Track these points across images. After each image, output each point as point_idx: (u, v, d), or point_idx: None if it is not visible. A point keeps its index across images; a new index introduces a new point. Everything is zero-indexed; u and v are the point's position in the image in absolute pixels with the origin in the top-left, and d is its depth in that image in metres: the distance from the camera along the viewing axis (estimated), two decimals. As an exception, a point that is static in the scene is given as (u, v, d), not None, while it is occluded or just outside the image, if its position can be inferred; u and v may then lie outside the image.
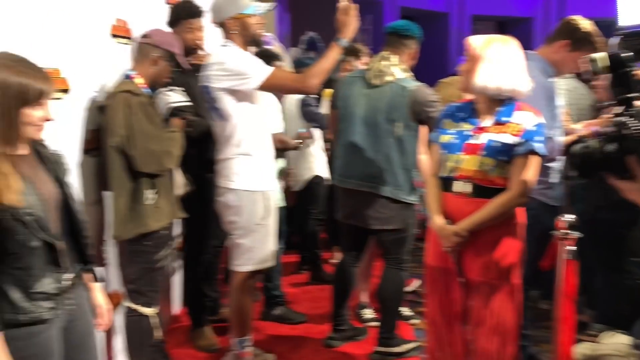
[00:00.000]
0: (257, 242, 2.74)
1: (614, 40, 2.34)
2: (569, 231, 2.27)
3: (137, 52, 2.63)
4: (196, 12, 3.07)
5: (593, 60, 1.67)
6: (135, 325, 2.59)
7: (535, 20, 9.76)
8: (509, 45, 2.24)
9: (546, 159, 2.32)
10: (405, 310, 3.72)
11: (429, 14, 9.42)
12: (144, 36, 2.64)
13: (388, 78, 2.98)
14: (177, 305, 3.90)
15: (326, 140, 4.28)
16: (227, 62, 2.58)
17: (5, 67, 1.54)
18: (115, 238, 2.53)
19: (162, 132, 2.48)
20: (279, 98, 3.81)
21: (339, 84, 3.27)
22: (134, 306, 2.57)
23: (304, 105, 4.10)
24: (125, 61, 2.84)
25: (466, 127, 2.31)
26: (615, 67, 1.65)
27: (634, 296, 2.94)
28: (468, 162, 2.24)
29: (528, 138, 2.19)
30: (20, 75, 1.55)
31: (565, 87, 3.21)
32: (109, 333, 2.80)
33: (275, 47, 6.21)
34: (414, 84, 2.98)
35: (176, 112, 2.89)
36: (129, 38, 3.03)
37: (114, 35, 2.90)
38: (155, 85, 2.64)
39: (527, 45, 2.48)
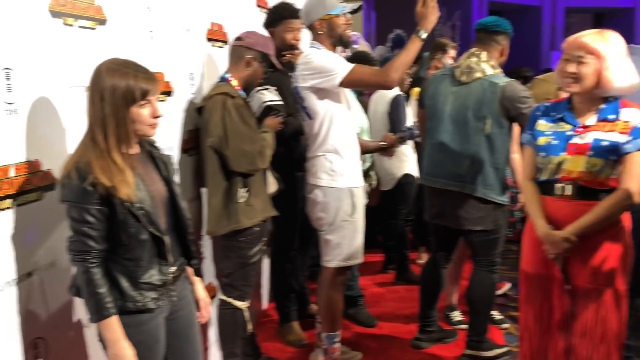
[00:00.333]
0: (344, 239, 2.77)
1: None
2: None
3: (231, 55, 2.73)
4: (295, 13, 3.15)
5: None
6: (229, 318, 2.68)
7: (637, 11, 9.17)
8: (620, 39, 2.13)
9: None
10: (496, 314, 3.63)
11: (520, 8, 9.10)
12: (238, 39, 2.73)
13: (477, 75, 2.92)
14: (265, 300, 4.00)
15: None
16: (311, 61, 2.65)
17: (112, 71, 1.65)
18: (209, 234, 2.63)
19: (255, 133, 2.55)
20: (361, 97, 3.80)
21: (426, 82, 3.22)
22: (227, 299, 2.67)
23: (392, 107, 4.06)
24: (221, 64, 2.95)
25: (565, 127, 2.21)
26: None
27: None
28: (573, 163, 2.14)
29: (637, 135, 2.08)
30: (125, 77, 1.65)
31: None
32: (204, 324, 2.93)
33: (361, 45, 6.23)
34: (504, 80, 2.89)
35: (269, 110, 2.98)
36: (224, 42, 3.15)
37: (210, 39, 3.02)
38: (249, 86, 2.72)
39: (628, 38, 2.35)
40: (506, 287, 4.17)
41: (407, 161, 4.16)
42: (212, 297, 2.88)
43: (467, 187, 2.93)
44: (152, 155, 1.86)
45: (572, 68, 2.13)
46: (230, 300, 2.66)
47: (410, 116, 4.11)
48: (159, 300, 1.76)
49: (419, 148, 4.15)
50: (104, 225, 1.65)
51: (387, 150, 3.54)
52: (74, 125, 1.91)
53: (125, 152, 1.68)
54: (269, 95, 3.14)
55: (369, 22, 7.93)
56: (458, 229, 3.05)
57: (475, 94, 2.90)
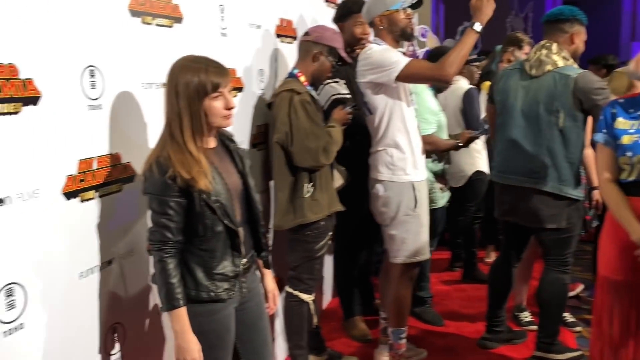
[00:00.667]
0: (408, 233, 2.76)
1: None
2: None
3: (299, 50, 2.76)
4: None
5: None
6: (295, 311, 2.72)
7: None
8: None
9: None
10: (568, 316, 3.50)
11: (598, -3, 8.70)
12: (305, 34, 2.75)
13: (547, 67, 2.82)
14: (330, 295, 4.03)
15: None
16: (370, 57, 2.65)
17: (186, 67, 1.71)
18: (276, 227, 2.68)
19: (320, 130, 2.57)
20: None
21: (496, 77, 3.13)
22: (294, 292, 2.71)
23: (465, 102, 3.97)
24: (291, 60, 2.99)
25: None
26: None
27: None
28: None
29: None
30: (197, 72, 1.70)
31: None
32: (271, 316, 2.98)
33: (430, 39, 6.15)
34: (577, 71, 2.77)
35: (337, 103, 3.00)
36: (294, 37, 3.19)
37: (279, 35, 3.06)
38: (317, 80, 2.74)
39: None
40: (579, 288, 4.02)
41: (478, 157, 4.07)
42: (279, 289, 2.93)
43: (540, 182, 2.84)
44: (228, 149, 1.90)
45: None
46: (297, 293, 2.70)
47: (482, 111, 4.01)
48: (230, 291, 1.81)
49: (488, 144, 4.06)
50: (182, 218, 1.71)
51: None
52: (153, 120, 2.00)
53: (201, 146, 1.73)
54: (338, 88, 3.16)
55: (437, 15, 7.80)
56: (529, 227, 2.96)
57: (546, 88, 2.80)
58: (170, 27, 2.14)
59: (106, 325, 1.84)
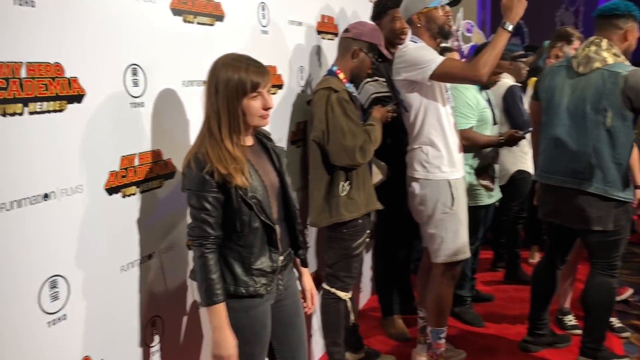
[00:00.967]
0: (447, 232, 2.72)
1: None
2: None
3: (339, 47, 2.74)
4: (400, 2, 3.10)
5: None
6: (332, 308, 2.72)
7: None
8: None
9: None
10: (615, 321, 3.39)
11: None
12: (345, 30, 2.73)
13: (596, 64, 2.72)
14: (368, 293, 4.02)
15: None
16: (405, 54, 2.63)
17: (226, 65, 1.72)
18: (312, 225, 2.69)
19: (358, 128, 2.55)
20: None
21: (542, 74, 3.05)
22: (331, 289, 2.71)
23: (507, 99, 3.88)
24: (332, 57, 2.98)
25: None
26: None
27: None
28: None
29: None
30: (237, 70, 1.71)
31: None
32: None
33: (475, 34, 6.03)
34: (627, 69, 2.66)
35: (378, 102, 2.98)
36: (335, 34, 3.18)
37: (320, 32, 3.06)
38: (357, 77, 2.72)
39: None
40: (628, 293, 3.88)
41: (522, 157, 3.97)
42: (316, 285, 2.93)
43: (585, 183, 2.75)
44: (266, 147, 1.92)
45: None
46: (334, 290, 2.70)
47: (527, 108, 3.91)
48: (268, 286, 1.82)
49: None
50: (220, 213, 1.73)
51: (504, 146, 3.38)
52: (193, 117, 2.03)
53: (238, 143, 1.75)
54: (378, 87, 3.14)
55: (483, 10, 7.63)
56: (574, 229, 2.88)
57: (593, 86, 2.71)
58: (211, 25, 2.17)
59: (146, 318, 1.88)
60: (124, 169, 1.76)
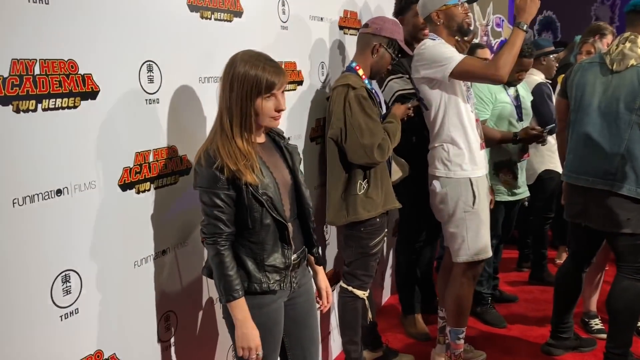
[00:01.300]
0: (468, 231, 2.69)
1: None
2: None
3: (358, 43, 2.71)
4: None
5: None
6: (350, 306, 2.71)
7: None
8: None
9: None
10: (642, 327, 3.30)
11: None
12: (364, 26, 2.70)
13: (631, 62, 2.64)
14: (389, 291, 3.99)
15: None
16: (424, 52, 2.60)
17: (244, 62, 1.71)
18: (329, 224, 2.67)
19: (376, 126, 2.52)
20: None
21: (571, 70, 2.96)
22: (348, 288, 2.69)
23: (535, 97, 3.80)
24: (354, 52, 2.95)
25: None
26: None
27: None
28: None
29: None
30: (254, 69, 1.70)
31: None
32: (327, 310, 2.98)
33: (506, 29, 5.92)
34: None
35: (402, 100, 2.94)
36: (358, 29, 3.14)
37: (342, 27, 3.03)
38: (377, 73, 2.69)
39: None
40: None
41: (550, 155, 3.89)
42: (334, 283, 2.92)
43: (616, 185, 2.67)
44: (278, 145, 1.91)
45: None
46: (351, 289, 2.68)
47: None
48: (282, 283, 1.82)
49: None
50: (232, 209, 1.73)
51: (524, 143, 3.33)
52: (209, 113, 2.03)
53: (249, 140, 1.74)
54: (402, 84, 3.10)
55: (514, 4, 7.49)
56: (602, 231, 2.79)
57: (628, 84, 2.62)
58: (229, 21, 2.16)
59: (159, 313, 1.89)
60: (138, 165, 1.77)
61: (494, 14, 5.81)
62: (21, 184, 1.41)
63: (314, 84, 2.77)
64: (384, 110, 2.75)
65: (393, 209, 2.70)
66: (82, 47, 1.55)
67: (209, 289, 2.12)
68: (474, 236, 2.70)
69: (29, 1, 1.41)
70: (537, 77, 3.93)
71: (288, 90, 2.56)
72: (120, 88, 1.69)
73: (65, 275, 1.54)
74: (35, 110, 1.43)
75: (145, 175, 1.80)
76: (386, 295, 3.96)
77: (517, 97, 3.45)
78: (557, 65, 4.18)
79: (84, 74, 1.56)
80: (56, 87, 1.48)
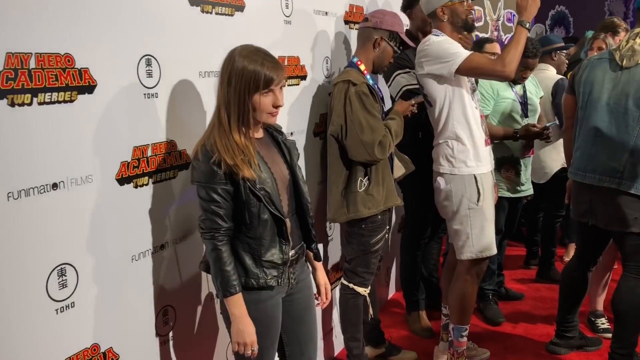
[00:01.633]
0: (473, 228, 2.66)
1: None
2: None
3: (359, 37, 2.69)
4: None
5: None
6: (351, 303, 2.69)
7: None
8: None
9: None
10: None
11: None
12: (364, 20, 2.68)
13: None
14: (393, 287, 3.97)
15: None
16: (428, 48, 2.58)
17: (242, 57, 1.70)
18: (330, 221, 2.66)
19: (377, 122, 2.49)
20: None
21: (579, 66, 2.92)
22: (349, 285, 2.68)
23: (556, 93, 3.76)
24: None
25: None
26: None
27: None
28: None
29: None
30: (253, 64, 1.69)
31: None
32: (329, 306, 2.97)
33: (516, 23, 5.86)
34: None
35: (409, 95, 2.92)
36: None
37: (347, 22, 3.00)
38: (379, 68, 2.66)
39: None
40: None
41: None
42: (337, 279, 2.91)
43: (623, 183, 2.62)
44: (276, 140, 1.90)
45: None
46: (352, 285, 2.67)
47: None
48: (279, 279, 1.81)
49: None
50: (230, 204, 1.72)
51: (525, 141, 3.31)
52: (209, 108, 2.02)
53: (247, 135, 1.73)
54: (409, 79, 3.07)
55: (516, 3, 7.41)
56: (608, 230, 2.76)
57: (637, 80, 2.58)
58: (231, 15, 2.15)
59: (157, 308, 1.90)
60: (136, 159, 1.77)
61: (504, 9, 5.75)
62: (16, 178, 1.41)
63: (317, 79, 2.76)
64: (387, 106, 2.73)
65: (395, 206, 2.68)
66: (79, 41, 1.55)
67: (209, 284, 2.12)
68: (478, 233, 2.68)
69: (24, -6, 1.41)
70: (552, 72, 3.89)
71: (291, 85, 2.54)
72: (118, 82, 1.69)
73: (61, 269, 1.55)
74: (30, 104, 1.43)
75: (143, 170, 1.80)
76: (391, 291, 3.95)
77: (523, 94, 3.42)
78: (567, 61, 4.13)
79: (80, 68, 1.56)
80: (52, 81, 1.48)
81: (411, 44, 2.68)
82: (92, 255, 1.64)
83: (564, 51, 4.03)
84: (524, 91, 3.43)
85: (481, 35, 5.17)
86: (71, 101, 1.54)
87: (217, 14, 2.07)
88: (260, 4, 2.30)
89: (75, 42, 1.54)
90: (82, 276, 1.61)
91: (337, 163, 2.56)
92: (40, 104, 1.46)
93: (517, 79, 3.32)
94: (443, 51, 2.52)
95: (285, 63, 2.49)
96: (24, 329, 1.46)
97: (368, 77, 2.58)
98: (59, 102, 1.51)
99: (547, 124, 3.30)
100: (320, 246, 2.88)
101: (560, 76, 3.87)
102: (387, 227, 2.68)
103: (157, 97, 1.84)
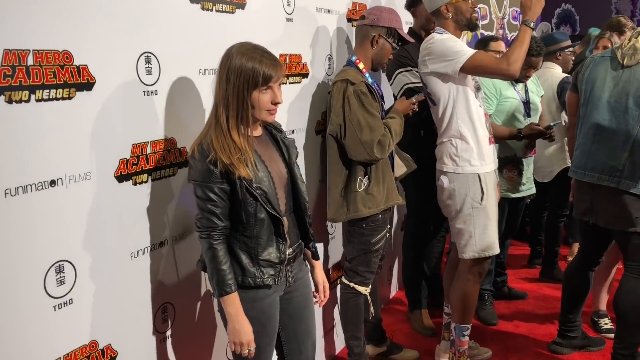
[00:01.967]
0: (475, 227, 2.65)
1: None
2: None
3: (356, 36, 2.68)
4: None
5: None
6: (352, 302, 2.69)
7: None
8: None
9: None
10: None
11: None
12: (361, 18, 2.66)
13: None
14: (395, 286, 3.96)
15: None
16: (432, 46, 2.56)
17: (240, 55, 1.69)
18: (330, 220, 2.65)
19: (376, 121, 2.48)
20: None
21: (582, 65, 2.91)
22: (349, 284, 2.67)
23: (562, 90, 3.74)
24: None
25: None
26: None
27: None
28: None
29: None
30: (252, 61, 1.68)
31: None
32: (330, 304, 2.97)
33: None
34: None
35: (410, 93, 2.90)
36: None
37: (350, 19, 2.99)
38: (378, 65, 2.65)
39: None
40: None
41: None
42: (337, 278, 2.91)
43: (623, 182, 2.61)
44: (275, 138, 1.89)
45: None
46: (352, 285, 2.66)
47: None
48: (276, 277, 1.81)
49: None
50: (226, 203, 1.72)
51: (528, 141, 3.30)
52: (210, 106, 2.01)
53: (245, 133, 1.73)
54: (411, 77, 3.06)
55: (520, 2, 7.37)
56: (609, 229, 2.74)
57: (637, 79, 2.57)
58: (232, 12, 2.14)
59: (156, 305, 1.90)
60: (135, 156, 1.77)
61: (510, 7, 5.72)
62: (13, 175, 1.41)
63: (319, 77, 2.75)
64: (388, 105, 2.71)
65: (396, 205, 2.67)
66: (78, 38, 1.55)
67: (207, 281, 2.12)
68: (481, 232, 2.67)
69: (22, -9, 1.41)
70: (556, 71, 3.88)
71: (293, 83, 2.54)
72: (117, 79, 1.69)
73: (59, 265, 1.55)
74: (28, 101, 1.43)
75: (142, 167, 1.80)
76: (394, 290, 3.94)
77: (525, 93, 3.40)
78: (573, 59, 4.11)
79: (79, 65, 1.56)
80: (50, 78, 1.48)
81: (410, 39, 2.66)
82: (91, 252, 1.64)
83: (570, 49, 4.01)
84: (526, 90, 3.41)
85: (486, 33, 5.15)
86: (69, 98, 1.54)
87: (217, 11, 2.07)
88: (262, 1, 2.30)
89: (73, 39, 1.54)
90: (80, 273, 1.61)
91: (336, 163, 2.55)
92: (38, 100, 1.46)
93: (520, 78, 3.32)
94: (447, 49, 2.51)
95: (287, 61, 2.48)
96: (22, 326, 1.46)
97: (367, 75, 2.57)
98: (57, 99, 1.51)
99: (551, 124, 3.28)
100: (322, 244, 2.88)
101: (565, 74, 3.85)
102: (388, 226, 2.68)
103: (156, 94, 1.83)
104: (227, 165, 1.66)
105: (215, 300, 2.12)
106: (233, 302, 1.73)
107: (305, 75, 2.64)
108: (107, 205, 1.68)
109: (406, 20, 3.45)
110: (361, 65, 2.58)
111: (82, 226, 1.61)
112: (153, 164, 1.84)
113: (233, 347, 1.75)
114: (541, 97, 3.56)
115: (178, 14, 1.90)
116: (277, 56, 1.85)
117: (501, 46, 3.60)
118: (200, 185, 1.69)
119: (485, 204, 2.64)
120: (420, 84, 3.00)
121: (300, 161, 2.56)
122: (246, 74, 1.68)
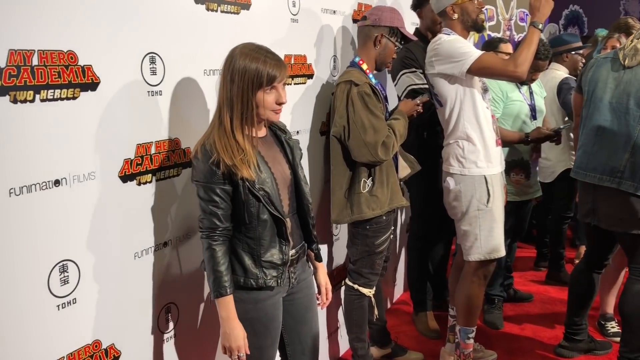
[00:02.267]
0: (481, 229, 2.64)
1: None
2: None
3: (359, 37, 2.68)
4: None
5: None
6: (356, 304, 2.68)
7: None
8: None
9: None
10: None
11: None
12: (363, 18, 2.65)
13: None
14: (401, 287, 3.95)
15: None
16: (439, 47, 2.55)
17: (244, 55, 1.70)
18: (334, 222, 2.64)
19: (380, 123, 2.47)
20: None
21: (586, 65, 2.89)
22: (354, 286, 2.67)
23: (561, 90, 3.73)
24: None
25: None
26: None
27: None
28: None
29: None
30: (256, 62, 1.68)
31: None
32: (335, 306, 2.97)
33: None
34: None
35: (414, 94, 2.90)
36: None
37: (355, 21, 2.99)
38: (382, 65, 2.64)
39: None
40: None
41: (573, 155, 3.81)
42: (342, 280, 2.90)
43: (624, 183, 2.59)
44: (279, 139, 1.89)
45: None
46: (357, 287, 2.66)
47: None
48: (279, 279, 1.80)
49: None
50: (229, 205, 1.72)
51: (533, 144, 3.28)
52: (213, 107, 2.01)
53: (249, 134, 1.73)
54: (415, 79, 3.05)
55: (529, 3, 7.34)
56: (611, 231, 2.72)
57: (639, 80, 2.55)
58: (237, 13, 2.15)
59: (160, 305, 1.90)
60: (139, 156, 1.77)
61: (517, 8, 5.69)
62: (18, 174, 1.42)
63: (324, 78, 2.75)
64: (392, 106, 2.71)
65: (399, 206, 2.66)
66: (83, 39, 1.56)
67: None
68: (487, 235, 2.65)
69: (27, -9, 1.42)
70: (560, 72, 3.86)
71: (298, 84, 2.54)
72: (121, 79, 1.69)
73: (63, 265, 1.55)
74: (33, 101, 1.44)
75: (146, 167, 1.80)
76: (399, 292, 3.93)
77: (530, 95, 3.39)
78: (582, 60, 4.08)
79: (83, 65, 1.56)
80: (55, 78, 1.49)
81: (412, 37, 2.65)
82: (94, 252, 1.64)
83: (579, 51, 3.98)
84: (530, 92, 3.40)
85: (493, 34, 5.13)
86: (74, 98, 1.55)
87: (222, 12, 2.07)
88: (267, 2, 2.30)
89: (78, 39, 1.54)
90: (84, 273, 1.62)
91: (340, 164, 2.55)
92: (42, 100, 1.46)
93: (526, 80, 3.30)
94: (454, 50, 2.50)
95: (292, 62, 2.48)
96: (26, 325, 1.47)
97: (371, 76, 2.57)
98: (61, 99, 1.51)
99: (560, 127, 3.26)
100: (326, 246, 2.88)
101: (566, 75, 3.82)
102: (392, 227, 2.67)
103: (161, 94, 1.84)
104: (229, 166, 1.66)
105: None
106: (227, 305, 1.72)
107: (310, 76, 2.63)
108: (111, 205, 1.69)
109: (412, 21, 3.45)
110: (365, 66, 2.58)
111: (86, 226, 1.61)
112: (157, 164, 1.84)
113: (223, 351, 1.74)
114: (544, 98, 3.54)
115: (183, 14, 1.90)
116: (282, 57, 1.85)
117: (509, 48, 3.59)
118: (202, 186, 1.69)
119: (492, 206, 2.63)
120: (424, 85, 2.99)
121: (305, 162, 2.56)
122: (250, 74, 1.68)
